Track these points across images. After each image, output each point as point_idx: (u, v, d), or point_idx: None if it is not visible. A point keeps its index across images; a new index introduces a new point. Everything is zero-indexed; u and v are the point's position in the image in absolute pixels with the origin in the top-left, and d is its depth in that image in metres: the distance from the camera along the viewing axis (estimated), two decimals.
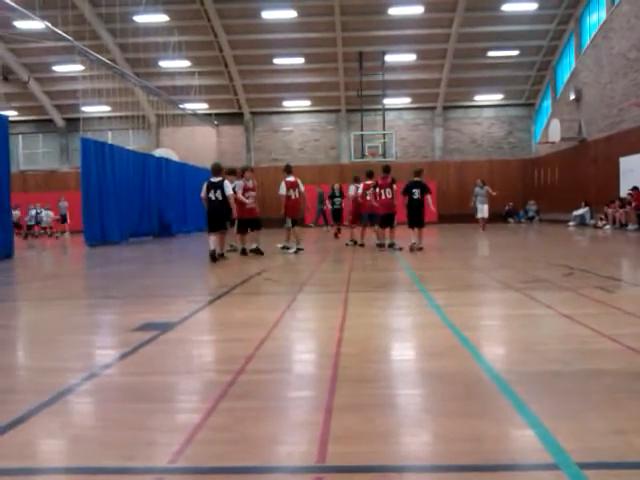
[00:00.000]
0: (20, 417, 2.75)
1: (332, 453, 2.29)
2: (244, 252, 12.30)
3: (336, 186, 19.26)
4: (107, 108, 31.17)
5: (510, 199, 30.85)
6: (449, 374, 3.36)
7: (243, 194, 12.18)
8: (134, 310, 5.97)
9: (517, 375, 3.29)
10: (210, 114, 33.11)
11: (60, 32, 18.28)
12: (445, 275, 8.58)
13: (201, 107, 32.61)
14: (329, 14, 27.85)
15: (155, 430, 2.62)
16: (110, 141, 27.10)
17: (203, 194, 11.30)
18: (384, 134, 30.68)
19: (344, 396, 2.98)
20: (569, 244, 15.47)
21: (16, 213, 26.37)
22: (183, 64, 30.27)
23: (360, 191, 14.65)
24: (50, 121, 34.87)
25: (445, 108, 33.77)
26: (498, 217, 27.10)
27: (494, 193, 21.99)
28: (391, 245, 13.11)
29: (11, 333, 5.23)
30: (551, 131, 27.72)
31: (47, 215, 28.27)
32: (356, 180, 15.49)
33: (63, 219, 29.46)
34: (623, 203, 20.85)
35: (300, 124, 34.51)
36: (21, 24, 25.29)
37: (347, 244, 15.00)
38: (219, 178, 11.25)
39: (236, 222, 12.42)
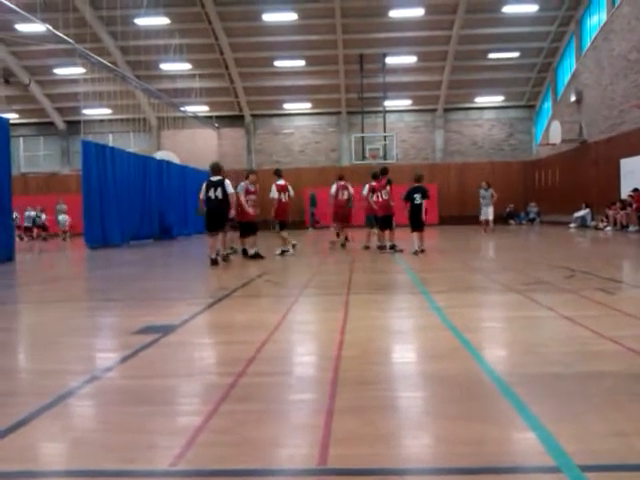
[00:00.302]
0: (21, 420, 2.75)
1: (333, 456, 2.29)
2: (245, 252, 12.32)
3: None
4: (108, 111, 31.21)
5: (511, 201, 30.84)
6: (450, 376, 3.35)
7: (244, 197, 12.16)
8: (135, 313, 5.97)
9: (518, 377, 3.29)
10: (211, 117, 33.14)
11: (61, 35, 18.30)
12: (446, 277, 8.58)
13: (202, 110, 32.64)
14: (330, 16, 27.89)
15: (156, 433, 2.62)
16: (111, 144, 27.11)
17: (202, 194, 11.01)
18: (385, 136, 30.70)
19: (345, 399, 2.98)
20: (570, 246, 15.46)
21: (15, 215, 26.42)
22: (184, 67, 30.32)
23: (365, 193, 14.62)
24: (51, 124, 34.93)
25: (446, 110, 33.80)
26: (499, 219, 26.99)
27: (495, 196, 21.85)
28: (392, 247, 13.11)
29: (12, 336, 5.23)
30: (552, 133, 27.71)
31: (64, 218, 28.30)
32: (340, 179, 15.20)
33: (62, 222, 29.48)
34: (624, 205, 20.84)
35: (301, 126, 34.55)
36: (22, 27, 25.34)
37: (342, 244, 14.92)
38: (219, 177, 11.02)
39: (238, 225, 12.43)
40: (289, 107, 34.04)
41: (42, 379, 3.60)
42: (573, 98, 26.97)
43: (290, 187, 13.42)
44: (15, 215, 26.55)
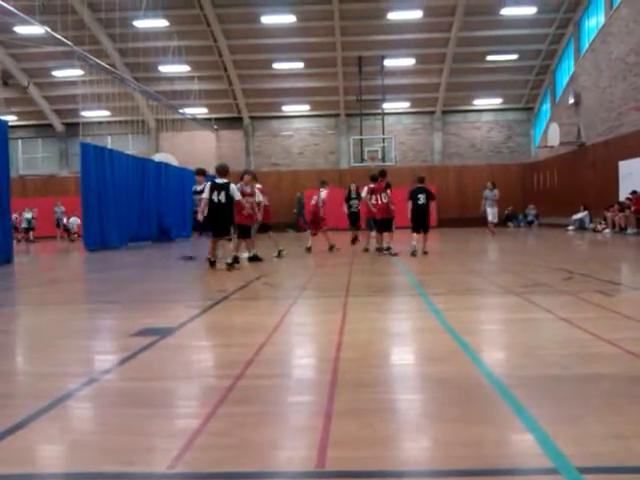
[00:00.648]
0: (19, 422, 2.74)
1: (331, 458, 2.29)
2: (236, 260, 10.96)
3: (352, 186, 16.56)
4: (107, 113, 31.21)
5: (509, 203, 30.87)
6: (449, 379, 3.35)
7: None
8: (133, 315, 5.97)
9: (517, 379, 3.29)
10: (210, 119, 33.16)
11: (60, 37, 18.31)
12: (445, 279, 8.58)
13: (201, 112, 32.66)
14: (328, 19, 27.93)
15: (154, 435, 2.62)
16: (109, 146, 27.10)
17: (205, 195, 10.44)
18: (383, 138, 30.73)
19: (343, 401, 2.98)
20: (568, 248, 15.47)
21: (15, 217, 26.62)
22: (183, 69, 30.35)
23: (364, 195, 14.62)
24: (49, 126, 34.93)
25: (444, 112, 33.84)
26: (497, 221, 26.96)
27: (497, 196, 21.73)
28: (387, 249, 13.02)
29: (10, 338, 5.22)
30: (550, 135, 27.75)
31: (75, 220, 28.36)
32: (323, 184, 14.92)
33: (60, 223, 29.52)
34: (622, 207, 20.86)
35: (299, 128, 34.57)
36: (21, 29, 25.37)
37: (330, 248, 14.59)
38: (224, 180, 10.47)
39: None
40: (288, 109, 34.06)
41: (40, 381, 3.59)
42: (571, 100, 27.02)
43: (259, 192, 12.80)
44: (15, 216, 26.68)
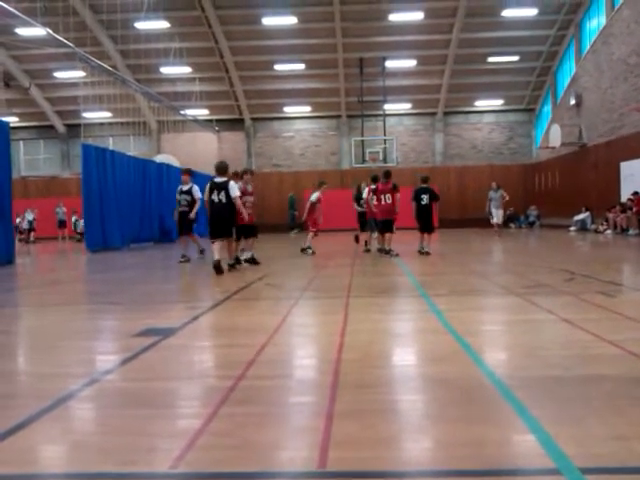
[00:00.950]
0: (21, 423, 2.75)
1: (333, 458, 2.29)
2: (237, 261, 10.91)
3: (363, 185, 15.85)
4: (108, 114, 31.25)
5: (511, 204, 30.79)
6: (450, 379, 3.35)
7: (240, 198, 10.90)
8: (135, 316, 5.97)
9: (518, 380, 3.29)
10: (211, 120, 33.18)
11: (61, 39, 18.34)
12: (446, 280, 8.58)
13: (202, 113, 32.68)
14: (329, 20, 27.94)
15: (156, 436, 2.62)
16: (111, 147, 27.14)
17: (205, 196, 10.20)
18: (385, 140, 30.72)
19: (345, 402, 2.98)
20: (570, 249, 15.46)
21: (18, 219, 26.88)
22: (184, 70, 30.37)
23: (365, 195, 14.57)
24: (51, 127, 34.97)
25: (445, 114, 33.84)
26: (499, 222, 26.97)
27: (507, 197, 21.66)
28: (387, 252, 12.94)
29: (12, 339, 5.22)
30: (551, 136, 27.74)
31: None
32: (319, 185, 14.45)
33: (62, 224, 29.54)
34: (624, 208, 20.85)
35: (301, 130, 34.58)
36: (22, 31, 25.39)
37: (304, 250, 14.25)
38: (224, 178, 10.09)
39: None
40: (289, 110, 34.08)
41: (42, 382, 3.59)
42: (573, 101, 27.01)
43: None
44: (18, 220, 26.78)
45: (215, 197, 9.93)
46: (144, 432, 2.66)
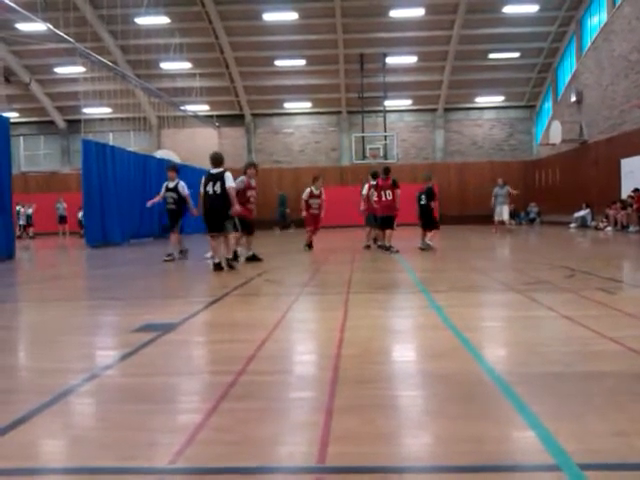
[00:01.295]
0: (21, 418, 2.75)
1: (332, 454, 2.29)
2: (235, 257, 10.54)
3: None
4: (108, 110, 31.22)
5: (511, 201, 30.78)
6: (450, 375, 3.35)
7: (245, 192, 10.85)
8: (135, 311, 5.97)
9: (518, 376, 3.29)
10: (211, 116, 33.14)
11: (61, 34, 18.30)
12: (446, 276, 8.58)
13: (202, 109, 32.64)
14: (330, 16, 27.90)
15: (156, 431, 2.62)
16: (111, 143, 27.09)
17: (201, 189, 9.80)
18: (385, 136, 30.70)
19: (345, 397, 2.98)
20: (570, 246, 15.46)
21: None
22: (184, 66, 30.33)
23: (365, 192, 14.59)
24: (51, 123, 34.94)
25: (446, 110, 33.80)
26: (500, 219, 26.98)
27: (515, 192, 21.59)
28: (388, 248, 12.95)
29: (12, 334, 5.23)
30: (552, 133, 27.72)
31: None
32: (314, 181, 14.38)
33: (62, 220, 29.54)
34: (624, 205, 20.84)
35: (301, 126, 34.55)
36: (23, 26, 25.34)
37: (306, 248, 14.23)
38: (219, 169, 9.69)
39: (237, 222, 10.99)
40: (289, 106, 34.04)
41: (42, 377, 3.60)
42: (573, 98, 26.98)
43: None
44: (18, 208, 26.83)
45: (210, 189, 9.59)
46: (144, 427, 2.66)
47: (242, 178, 11.00)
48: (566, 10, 27.51)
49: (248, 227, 11.16)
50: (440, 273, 9.25)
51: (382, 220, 13.36)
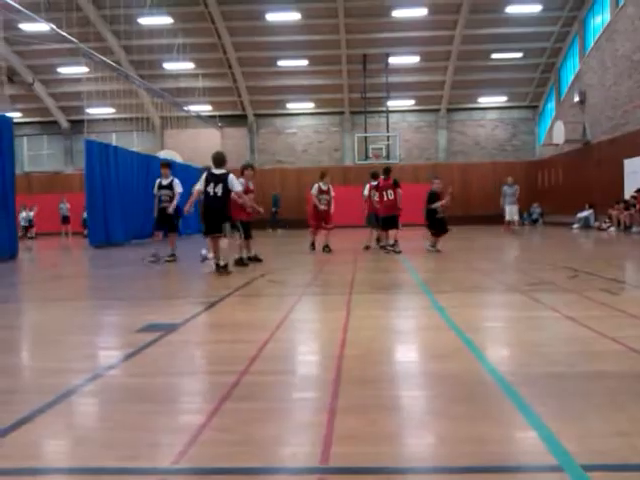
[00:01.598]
0: (24, 417, 2.75)
1: (336, 454, 2.29)
2: (242, 262, 10.53)
3: None
4: (111, 110, 31.24)
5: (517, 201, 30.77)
6: (453, 376, 3.35)
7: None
8: (137, 311, 5.98)
9: (521, 377, 3.29)
10: (214, 116, 33.14)
11: (65, 34, 18.32)
12: (449, 277, 8.57)
13: (205, 109, 32.65)
14: (333, 16, 27.89)
15: (158, 431, 2.62)
16: (114, 143, 27.12)
17: (199, 186, 9.38)
18: (388, 136, 30.68)
19: (348, 397, 2.98)
20: (573, 246, 15.44)
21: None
22: (187, 66, 30.33)
23: (366, 192, 14.61)
24: (55, 123, 34.97)
25: (449, 110, 33.76)
26: (501, 220, 27.00)
27: (518, 192, 21.62)
28: (392, 246, 12.94)
29: (15, 334, 5.24)
30: (555, 133, 27.67)
31: None
32: (323, 176, 13.92)
33: (65, 220, 29.56)
34: (627, 205, 20.80)
35: (304, 126, 34.53)
36: (26, 26, 25.36)
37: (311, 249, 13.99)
38: (222, 170, 9.35)
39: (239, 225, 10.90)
40: (292, 107, 34.03)
41: (45, 377, 3.60)
42: (576, 98, 26.92)
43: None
44: (25, 212, 26.92)
45: (211, 190, 9.23)
46: (147, 427, 2.66)
47: (241, 181, 10.61)
48: (569, 10, 27.46)
49: (247, 230, 10.99)
50: (443, 274, 9.24)
51: (385, 220, 13.33)
